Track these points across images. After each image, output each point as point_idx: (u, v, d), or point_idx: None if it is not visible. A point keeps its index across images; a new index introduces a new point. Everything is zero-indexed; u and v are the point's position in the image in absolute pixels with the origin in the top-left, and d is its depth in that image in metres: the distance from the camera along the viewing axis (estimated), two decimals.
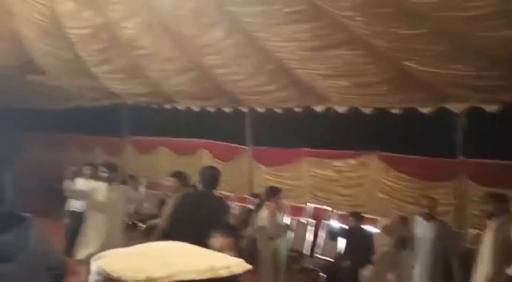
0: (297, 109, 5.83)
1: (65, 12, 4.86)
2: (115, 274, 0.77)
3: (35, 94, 9.79)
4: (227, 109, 6.95)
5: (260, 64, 4.91)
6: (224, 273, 0.78)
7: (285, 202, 5.21)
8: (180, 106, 7.41)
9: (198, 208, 3.73)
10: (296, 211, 6.14)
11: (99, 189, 4.71)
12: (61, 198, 7.45)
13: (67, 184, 5.19)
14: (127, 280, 0.75)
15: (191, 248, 0.89)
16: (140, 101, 7.58)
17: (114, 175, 4.87)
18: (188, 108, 7.36)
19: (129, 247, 0.89)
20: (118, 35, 5.15)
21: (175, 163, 8.96)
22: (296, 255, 5.50)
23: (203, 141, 8.01)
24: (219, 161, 7.65)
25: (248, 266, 0.84)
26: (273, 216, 4.53)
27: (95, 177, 5.52)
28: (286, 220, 5.51)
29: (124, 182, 6.01)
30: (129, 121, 8.45)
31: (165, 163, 9.10)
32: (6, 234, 1.48)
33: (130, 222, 7.41)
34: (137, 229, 7.37)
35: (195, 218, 3.59)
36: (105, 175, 4.78)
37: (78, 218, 5.20)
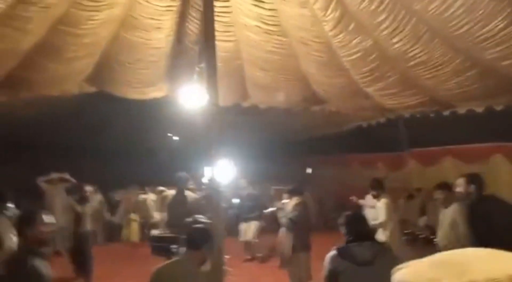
0: None
1: (337, 43, 5.34)
2: None
3: (318, 122, 11.06)
4: None
5: None
6: None
7: None
8: (460, 110, 6.81)
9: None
10: None
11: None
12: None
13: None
14: None
15: (497, 253, 0.78)
16: (416, 112, 7.39)
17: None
18: (470, 111, 6.68)
19: (432, 256, 0.85)
20: (387, 52, 5.26)
21: (463, 173, 8.21)
22: None
23: (495, 144, 7.06)
24: None
25: None
26: None
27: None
28: None
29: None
30: (407, 134, 8.37)
31: (451, 173, 8.47)
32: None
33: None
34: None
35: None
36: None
37: None
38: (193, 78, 4.38)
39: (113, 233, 9.88)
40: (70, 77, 6.12)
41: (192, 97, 4.53)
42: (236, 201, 11.17)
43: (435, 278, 0.71)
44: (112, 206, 10.23)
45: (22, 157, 11.35)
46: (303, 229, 4.79)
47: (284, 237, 4.76)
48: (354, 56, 5.56)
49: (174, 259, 3.10)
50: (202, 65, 2.64)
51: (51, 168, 6.52)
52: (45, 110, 9.28)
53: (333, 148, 13.22)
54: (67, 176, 6.27)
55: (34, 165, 8.33)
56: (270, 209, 5.54)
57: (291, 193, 5.06)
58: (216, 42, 4.24)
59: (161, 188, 9.71)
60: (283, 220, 4.76)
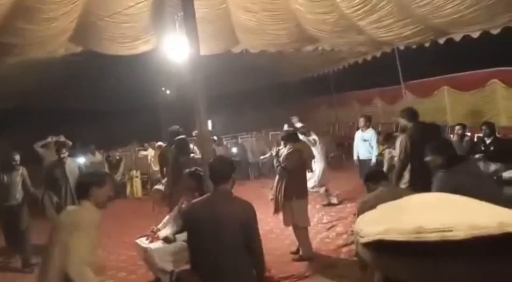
0: None
1: None
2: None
3: (311, 61, 10.82)
4: None
5: None
6: None
7: None
8: (456, 36, 6.64)
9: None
10: None
11: None
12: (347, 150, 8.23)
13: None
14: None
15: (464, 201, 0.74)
16: (411, 43, 7.22)
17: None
18: (467, 37, 6.51)
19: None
20: None
21: (460, 101, 8.17)
22: None
23: (493, 70, 6.93)
24: None
25: None
26: None
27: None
28: None
29: None
30: (403, 67, 8.19)
31: (448, 103, 8.43)
32: None
33: None
34: None
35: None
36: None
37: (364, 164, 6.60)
38: (175, 28, 4.21)
39: (116, 190, 10.05)
40: (54, 37, 5.92)
41: (176, 48, 4.38)
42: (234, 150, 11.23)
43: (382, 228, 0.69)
44: (113, 165, 10.33)
45: (18, 123, 11.31)
46: (298, 176, 4.76)
47: (277, 184, 4.78)
48: None
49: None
50: (182, 13, 2.51)
51: (48, 132, 6.43)
52: (38, 76, 9.13)
53: (330, 87, 13.08)
54: (62, 138, 6.13)
55: (30, 131, 8.29)
56: (267, 155, 5.52)
57: (285, 140, 4.99)
58: None
59: (160, 143, 9.73)
60: (277, 168, 4.74)
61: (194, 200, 2.80)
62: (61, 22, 5.47)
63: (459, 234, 0.60)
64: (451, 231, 0.60)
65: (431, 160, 3.23)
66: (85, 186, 2.54)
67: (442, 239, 0.59)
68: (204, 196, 2.74)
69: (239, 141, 12.01)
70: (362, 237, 0.68)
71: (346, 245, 5.06)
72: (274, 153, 4.98)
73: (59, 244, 2.34)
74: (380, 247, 0.64)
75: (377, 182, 3.28)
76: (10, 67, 7.02)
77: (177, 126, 5.86)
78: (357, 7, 5.72)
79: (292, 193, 4.68)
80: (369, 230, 0.67)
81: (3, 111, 11.13)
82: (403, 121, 4.63)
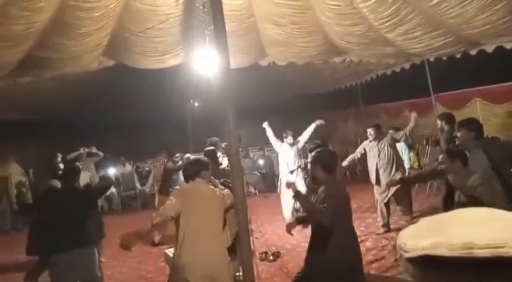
0: None
1: None
2: None
3: (338, 73, 10.78)
4: None
5: None
6: None
7: None
8: (489, 48, 6.49)
9: None
10: None
11: None
12: None
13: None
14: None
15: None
16: (442, 54, 7.09)
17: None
18: (499, 48, 6.36)
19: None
20: None
21: (493, 114, 7.95)
22: None
23: None
24: None
25: None
26: None
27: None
28: None
29: None
30: (433, 79, 8.05)
31: (481, 116, 8.20)
32: None
33: None
34: None
35: None
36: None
37: None
38: (205, 42, 4.30)
39: (146, 201, 10.25)
40: (87, 52, 6.14)
41: (206, 61, 4.47)
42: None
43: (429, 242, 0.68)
44: (142, 176, 10.54)
45: (49, 135, 11.69)
46: None
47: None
48: (372, 1, 5.31)
49: None
50: (212, 27, 2.59)
51: (79, 143, 6.63)
52: (68, 89, 9.45)
53: (357, 99, 12.97)
54: (94, 149, 6.30)
55: (62, 143, 8.55)
56: (295, 168, 5.47)
57: (313, 152, 4.96)
58: (226, 0, 4.10)
59: (188, 155, 9.86)
60: (306, 181, 4.72)
61: (334, 185, 3.35)
62: (95, 36, 5.67)
63: (511, 250, 0.58)
64: (503, 247, 0.59)
65: (462, 135, 3.78)
66: (197, 169, 3.41)
67: (493, 255, 0.58)
68: (331, 182, 3.31)
69: (266, 153, 12.02)
70: (406, 251, 0.67)
71: (376, 260, 4.96)
72: (302, 166, 4.95)
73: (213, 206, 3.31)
74: (426, 262, 0.63)
75: (465, 161, 3.51)
76: (43, 80, 7.29)
77: (217, 139, 5.96)
78: (385, 19, 5.68)
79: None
80: (414, 244, 0.66)
81: (36, 124, 11.54)
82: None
